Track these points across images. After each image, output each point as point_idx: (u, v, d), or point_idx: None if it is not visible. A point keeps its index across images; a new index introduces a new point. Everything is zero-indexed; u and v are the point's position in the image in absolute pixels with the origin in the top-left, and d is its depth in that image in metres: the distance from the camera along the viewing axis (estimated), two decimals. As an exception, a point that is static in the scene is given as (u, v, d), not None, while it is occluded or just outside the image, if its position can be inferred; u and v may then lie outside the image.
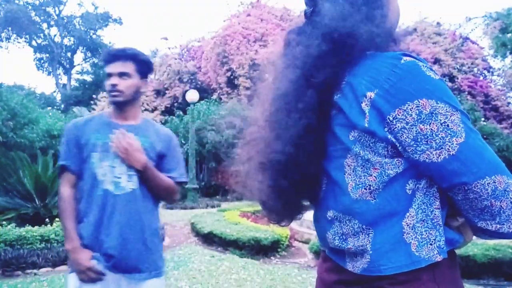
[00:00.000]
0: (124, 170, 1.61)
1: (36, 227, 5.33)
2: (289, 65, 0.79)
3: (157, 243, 1.69)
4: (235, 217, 7.56)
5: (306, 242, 6.27)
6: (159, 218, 1.75)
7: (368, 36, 0.73)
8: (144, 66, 1.70)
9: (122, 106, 1.69)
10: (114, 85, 1.64)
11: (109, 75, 1.66)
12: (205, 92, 19.23)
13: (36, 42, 31.77)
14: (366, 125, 0.70)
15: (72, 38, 32.31)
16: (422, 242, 0.70)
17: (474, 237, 0.78)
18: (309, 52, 0.75)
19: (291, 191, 0.81)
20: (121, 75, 1.65)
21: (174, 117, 15.81)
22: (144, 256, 1.62)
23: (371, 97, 0.69)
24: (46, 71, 33.28)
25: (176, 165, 1.76)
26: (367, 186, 0.72)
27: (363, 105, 0.70)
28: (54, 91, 33.03)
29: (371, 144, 0.71)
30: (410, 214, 0.71)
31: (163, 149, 1.73)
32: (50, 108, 24.33)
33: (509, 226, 0.68)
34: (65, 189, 1.62)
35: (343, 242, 0.77)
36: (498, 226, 0.69)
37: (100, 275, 1.53)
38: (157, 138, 1.73)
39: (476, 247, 4.25)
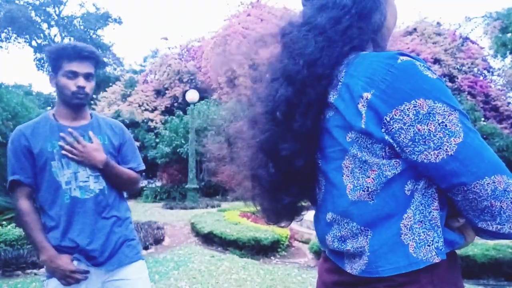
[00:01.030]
0: (89, 172, 1.57)
1: (36, 227, 5.32)
2: (282, 64, 0.79)
3: (131, 229, 1.70)
4: (235, 217, 7.56)
5: (306, 242, 6.27)
6: (128, 207, 1.75)
7: (360, 34, 0.74)
8: (97, 68, 1.64)
9: (80, 107, 1.62)
10: (82, 87, 1.55)
11: (75, 74, 1.53)
12: (205, 92, 19.22)
13: (36, 42, 31.76)
14: (363, 126, 0.69)
15: (72, 38, 32.27)
16: (420, 244, 0.70)
17: (476, 237, 0.78)
18: (303, 51, 0.75)
19: (285, 192, 0.82)
20: (87, 76, 1.57)
21: (174, 117, 15.80)
22: (120, 246, 1.62)
23: (368, 98, 0.68)
24: (46, 71, 33.25)
25: (133, 155, 1.74)
26: (365, 188, 0.71)
27: (359, 106, 0.69)
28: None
29: (368, 146, 0.71)
30: (408, 216, 0.70)
31: (120, 142, 1.71)
32: (49, 108, 24.32)
33: (509, 226, 0.67)
34: (23, 202, 1.54)
35: (342, 244, 0.77)
36: (499, 226, 0.68)
37: (85, 273, 1.50)
38: (112, 132, 1.69)
39: (476, 247, 4.25)
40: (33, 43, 31.61)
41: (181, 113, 16.02)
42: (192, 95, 12.97)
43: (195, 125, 12.95)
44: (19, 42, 31.07)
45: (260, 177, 0.82)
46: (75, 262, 1.50)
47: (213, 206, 11.08)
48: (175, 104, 18.72)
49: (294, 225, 7.56)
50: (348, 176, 0.73)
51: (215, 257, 5.25)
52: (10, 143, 1.55)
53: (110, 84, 24.14)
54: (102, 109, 21.18)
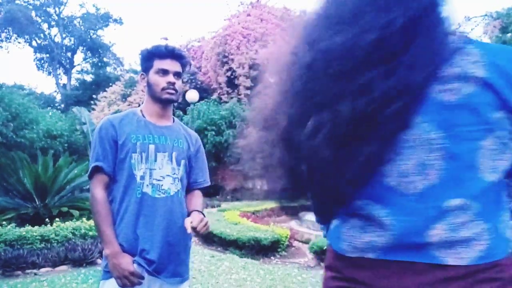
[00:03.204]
0: (167, 172, 1.57)
1: (36, 227, 5.33)
2: None
3: (190, 246, 1.70)
4: (235, 217, 7.56)
5: (306, 242, 6.27)
6: None
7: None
8: (184, 70, 1.69)
9: (169, 105, 1.67)
10: (173, 83, 1.60)
11: (165, 72, 1.59)
12: (205, 92, 19.23)
13: (36, 42, 31.76)
14: None
15: (72, 38, 32.30)
16: None
17: None
18: None
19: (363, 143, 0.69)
20: (177, 75, 1.62)
21: (174, 117, 15.82)
22: (182, 260, 1.61)
23: None
24: (46, 71, 33.27)
25: (203, 168, 1.74)
26: (499, 170, 0.70)
27: None
28: (54, 91, 33.06)
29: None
30: None
31: (194, 151, 1.71)
32: (50, 108, 24.36)
33: None
34: (99, 191, 1.53)
35: (456, 233, 0.68)
36: None
37: (141, 279, 1.48)
38: (190, 139, 1.72)
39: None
40: (33, 43, 31.61)
41: (181, 113, 16.02)
42: (192, 95, 12.98)
43: (195, 125, 12.96)
44: (19, 42, 31.07)
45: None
46: (135, 265, 1.48)
47: (213, 206, 11.08)
48: (175, 104, 18.72)
49: (294, 225, 7.57)
50: (486, 158, 0.69)
51: (215, 257, 5.25)
52: (98, 130, 1.57)
53: (110, 84, 24.14)
54: (102, 109, 21.18)
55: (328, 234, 0.86)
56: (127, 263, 1.45)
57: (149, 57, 1.62)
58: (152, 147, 1.56)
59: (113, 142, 1.54)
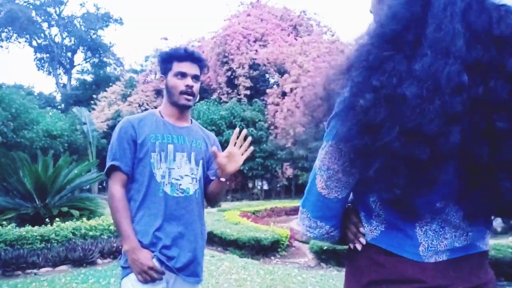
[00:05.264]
0: (184, 172, 1.58)
1: (36, 227, 5.33)
2: None
3: (204, 247, 1.69)
4: (235, 217, 7.57)
5: (306, 242, 6.27)
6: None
7: None
8: (202, 73, 1.69)
9: (187, 108, 1.68)
10: (191, 87, 1.61)
11: (183, 75, 1.61)
12: (205, 92, 19.24)
13: (37, 42, 31.78)
14: None
15: (72, 38, 32.32)
16: None
17: None
18: None
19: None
20: (195, 78, 1.63)
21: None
22: (199, 260, 1.61)
23: None
24: (46, 71, 33.30)
25: None
26: None
27: None
28: (54, 91, 33.08)
29: None
30: None
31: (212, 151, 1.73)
32: (50, 108, 24.37)
33: None
34: (117, 189, 1.54)
35: None
36: None
37: (161, 274, 1.49)
38: (208, 140, 1.74)
39: (476, 247, 4.25)
40: (34, 43, 31.63)
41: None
42: (192, 95, 12.97)
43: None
44: (19, 42, 31.10)
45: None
46: (154, 260, 1.48)
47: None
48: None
49: (294, 225, 7.57)
50: None
51: (215, 257, 5.25)
52: (118, 130, 1.58)
53: (110, 84, 24.16)
54: (102, 109, 21.19)
55: (381, 240, 0.79)
56: (146, 258, 1.46)
57: (168, 59, 1.63)
58: (171, 146, 1.57)
59: (132, 142, 1.55)
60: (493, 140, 0.64)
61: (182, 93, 1.60)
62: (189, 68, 1.61)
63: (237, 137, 1.57)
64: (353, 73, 0.72)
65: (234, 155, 1.55)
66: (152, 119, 1.63)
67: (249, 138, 1.58)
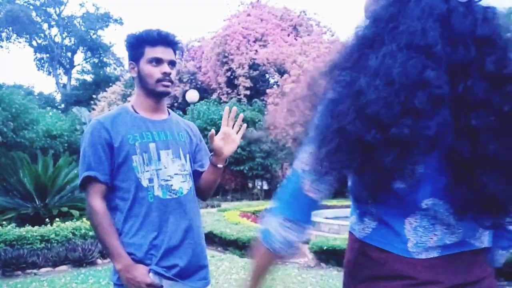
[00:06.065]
0: (174, 171, 1.43)
1: (36, 227, 5.34)
2: None
3: (205, 247, 1.55)
4: (235, 217, 7.57)
5: (306, 242, 6.27)
6: None
7: None
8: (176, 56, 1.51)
9: (162, 98, 1.49)
10: (168, 74, 1.42)
11: (159, 61, 1.41)
12: (205, 92, 19.23)
13: (37, 42, 31.78)
14: None
15: (72, 38, 32.32)
16: None
17: None
18: None
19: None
20: (171, 63, 1.44)
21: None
22: (203, 262, 1.49)
23: None
24: (46, 71, 33.30)
25: (207, 159, 1.58)
26: None
27: None
28: (54, 91, 33.09)
29: None
30: None
31: (197, 142, 1.59)
32: (50, 108, 24.35)
33: None
34: (98, 202, 1.36)
35: None
36: None
37: None
38: (190, 131, 1.58)
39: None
40: (34, 43, 31.63)
41: (181, 113, 16.04)
42: (192, 95, 12.98)
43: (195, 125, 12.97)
44: (19, 42, 31.10)
45: None
46: (151, 275, 1.34)
47: (213, 206, 11.08)
48: (175, 104, 18.72)
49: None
50: None
51: (215, 257, 5.25)
52: (88, 134, 1.39)
53: (110, 84, 24.13)
54: (102, 109, 21.17)
55: (371, 237, 0.80)
56: (143, 274, 1.32)
57: (139, 44, 1.43)
58: (152, 145, 1.41)
59: (107, 147, 1.37)
60: (471, 137, 0.66)
61: (159, 81, 1.41)
62: (164, 53, 1.42)
63: (228, 116, 1.46)
64: (334, 73, 0.75)
65: (230, 135, 1.44)
66: (125, 116, 1.43)
67: (241, 115, 1.47)
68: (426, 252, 0.75)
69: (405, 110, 0.65)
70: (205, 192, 1.59)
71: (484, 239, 0.78)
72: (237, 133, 1.47)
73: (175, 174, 1.43)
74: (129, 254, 1.35)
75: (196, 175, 1.55)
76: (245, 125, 1.46)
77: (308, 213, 0.81)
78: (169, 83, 1.44)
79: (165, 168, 1.41)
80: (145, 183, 1.38)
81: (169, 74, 1.42)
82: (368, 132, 0.66)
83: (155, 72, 1.41)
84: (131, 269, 1.32)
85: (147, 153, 1.39)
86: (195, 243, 1.45)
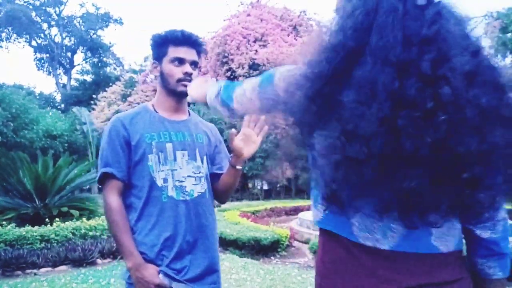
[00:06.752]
0: (188, 172, 1.42)
1: (36, 227, 5.33)
2: None
3: (217, 251, 1.55)
4: (235, 217, 7.57)
5: (306, 242, 6.27)
6: None
7: None
8: (200, 58, 1.51)
9: (183, 98, 1.48)
10: (189, 74, 1.42)
11: (181, 61, 1.42)
12: (205, 92, 19.17)
13: (36, 42, 31.78)
14: None
15: (72, 38, 32.33)
16: None
17: None
18: None
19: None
20: (193, 64, 1.45)
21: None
22: (215, 266, 1.48)
23: None
24: (46, 71, 33.30)
25: (226, 160, 1.57)
26: None
27: None
28: (54, 91, 33.10)
29: None
30: None
31: (216, 144, 1.58)
32: (50, 108, 24.36)
33: None
34: (114, 199, 1.36)
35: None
36: None
37: None
38: (209, 132, 1.58)
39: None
40: (33, 43, 31.63)
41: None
42: (192, 95, 12.97)
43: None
44: (19, 42, 31.11)
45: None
46: (160, 276, 1.34)
47: (213, 206, 11.08)
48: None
49: (294, 225, 7.56)
50: None
51: (215, 257, 5.25)
52: (108, 131, 1.41)
53: (110, 84, 24.14)
54: (102, 109, 21.18)
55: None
56: (152, 274, 1.32)
57: (163, 43, 1.44)
58: (169, 145, 1.41)
59: (125, 144, 1.38)
60: (395, 134, 0.68)
61: (179, 80, 1.42)
62: (187, 53, 1.43)
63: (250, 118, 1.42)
64: (308, 82, 0.77)
65: (250, 136, 1.40)
66: (145, 115, 1.45)
67: (263, 117, 1.40)
68: (376, 241, 0.78)
69: (380, 121, 0.68)
70: (223, 195, 1.59)
71: (450, 244, 0.79)
72: (257, 135, 1.43)
73: (188, 176, 1.42)
74: (141, 253, 1.34)
75: (214, 177, 1.54)
76: (266, 127, 1.40)
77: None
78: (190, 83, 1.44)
79: (180, 169, 1.41)
80: (159, 182, 1.38)
81: (191, 74, 1.43)
82: (355, 149, 0.69)
83: (177, 71, 1.42)
84: (141, 268, 1.32)
85: (163, 153, 1.40)
86: (207, 247, 1.45)
